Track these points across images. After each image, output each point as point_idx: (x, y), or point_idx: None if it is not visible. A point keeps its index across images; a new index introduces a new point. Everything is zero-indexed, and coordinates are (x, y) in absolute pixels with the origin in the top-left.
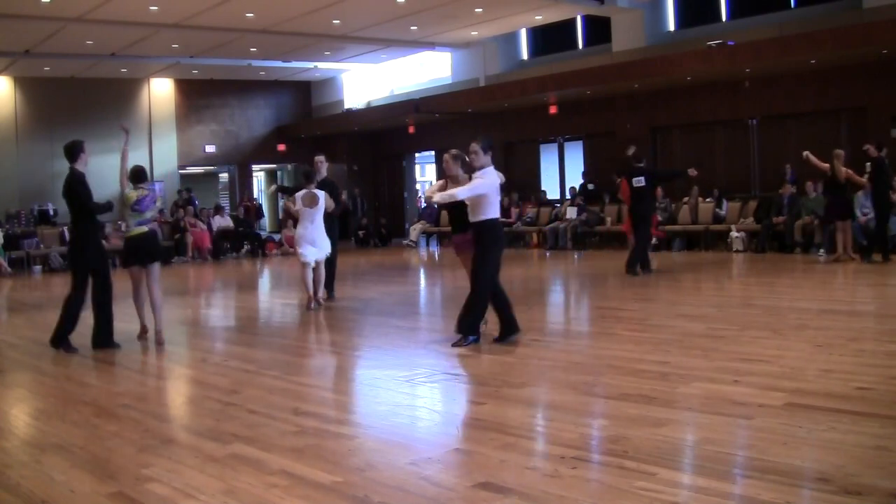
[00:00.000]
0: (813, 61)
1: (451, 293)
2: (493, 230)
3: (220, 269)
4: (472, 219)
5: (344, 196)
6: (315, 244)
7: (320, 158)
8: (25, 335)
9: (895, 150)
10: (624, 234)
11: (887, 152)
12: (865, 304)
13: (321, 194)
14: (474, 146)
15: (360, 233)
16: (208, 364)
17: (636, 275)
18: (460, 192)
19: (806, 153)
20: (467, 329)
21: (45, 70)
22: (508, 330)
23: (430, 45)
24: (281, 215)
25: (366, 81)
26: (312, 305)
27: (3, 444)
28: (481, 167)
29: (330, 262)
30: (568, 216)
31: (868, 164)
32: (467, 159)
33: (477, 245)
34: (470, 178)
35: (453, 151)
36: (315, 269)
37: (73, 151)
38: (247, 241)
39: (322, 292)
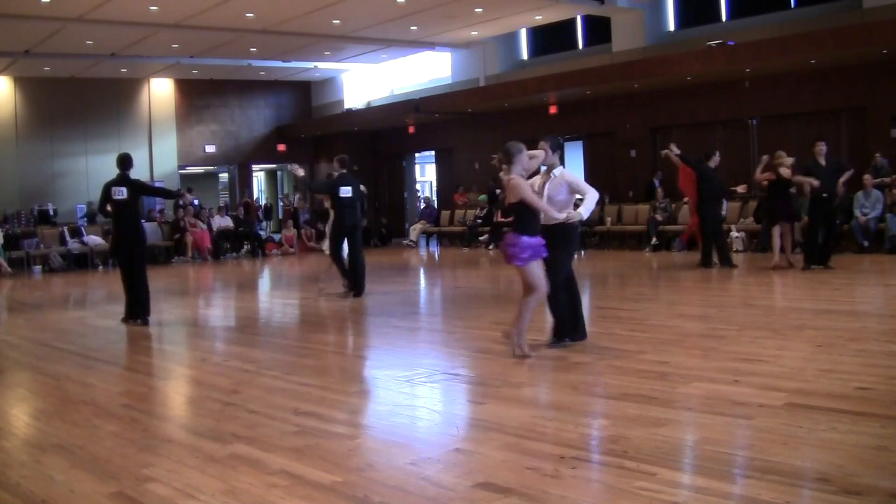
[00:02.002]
0: (813, 61)
1: (452, 293)
2: (574, 231)
3: (220, 269)
4: (547, 221)
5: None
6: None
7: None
8: (25, 335)
9: (895, 150)
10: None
11: (885, 152)
12: (865, 304)
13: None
14: (543, 144)
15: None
16: (208, 364)
17: (713, 266)
18: (595, 198)
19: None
20: (569, 332)
21: (45, 70)
22: (563, 333)
23: (430, 45)
24: (281, 215)
25: (366, 81)
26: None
27: (3, 444)
28: (550, 166)
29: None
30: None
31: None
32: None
33: (556, 246)
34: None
35: (547, 141)
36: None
37: (131, 162)
38: (247, 241)
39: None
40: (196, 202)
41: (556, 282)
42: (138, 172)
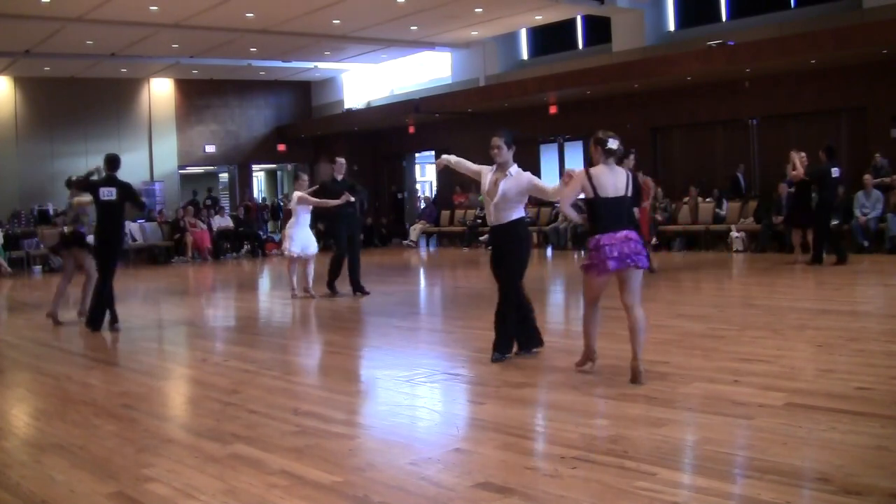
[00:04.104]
0: (813, 61)
1: (451, 293)
2: (527, 229)
3: (220, 269)
4: (499, 220)
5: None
6: (298, 240)
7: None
8: (25, 335)
9: (895, 150)
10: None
11: (885, 152)
12: (865, 304)
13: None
14: (497, 140)
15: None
16: (208, 364)
17: None
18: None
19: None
20: (502, 346)
21: (45, 70)
22: (531, 342)
23: (430, 45)
24: (282, 215)
25: (366, 81)
26: (295, 295)
27: (3, 444)
28: (504, 162)
29: (354, 259)
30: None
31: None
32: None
33: (508, 247)
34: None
35: (502, 136)
36: (303, 265)
37: (120, 163)
38: (246, 241)
39: (311, 287)
40: (211, 200)
41: (518, 282)
42: (139, 173)
